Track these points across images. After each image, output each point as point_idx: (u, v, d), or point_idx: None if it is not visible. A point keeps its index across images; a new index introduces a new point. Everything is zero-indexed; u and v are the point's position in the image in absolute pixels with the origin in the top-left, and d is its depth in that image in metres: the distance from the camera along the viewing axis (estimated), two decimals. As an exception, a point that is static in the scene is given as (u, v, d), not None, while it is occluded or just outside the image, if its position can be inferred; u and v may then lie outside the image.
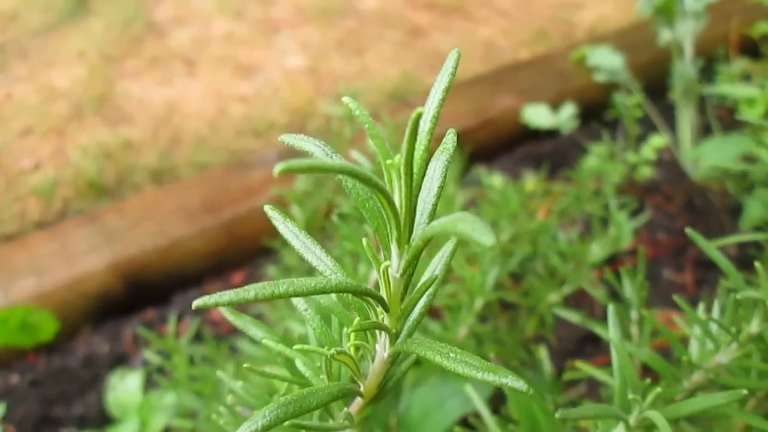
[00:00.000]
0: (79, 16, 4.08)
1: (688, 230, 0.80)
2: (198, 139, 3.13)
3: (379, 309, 0.55)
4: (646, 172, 2.18)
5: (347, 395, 0.59)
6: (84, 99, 3.36)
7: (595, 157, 2.13)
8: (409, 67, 3.51)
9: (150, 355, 1.60)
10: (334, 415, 0.65)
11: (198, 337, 1.85)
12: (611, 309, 0.80)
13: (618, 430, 0.66)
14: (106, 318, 2.00)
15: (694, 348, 0.77)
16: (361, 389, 0.61)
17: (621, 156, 2.28)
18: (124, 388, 1.74)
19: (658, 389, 0.63)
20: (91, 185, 2.82)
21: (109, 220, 2.11)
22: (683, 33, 2.26)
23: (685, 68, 2.26)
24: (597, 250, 1.57)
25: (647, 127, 2.45)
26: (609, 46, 2.54)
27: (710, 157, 2.09)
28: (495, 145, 2.48)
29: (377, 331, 0.58)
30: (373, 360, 0.60)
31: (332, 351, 0.57)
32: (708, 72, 2.62)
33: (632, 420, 0.64)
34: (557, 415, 0.61)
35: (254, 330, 0.74)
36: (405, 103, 2.67)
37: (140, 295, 2.03)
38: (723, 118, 2.49)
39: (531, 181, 2.05)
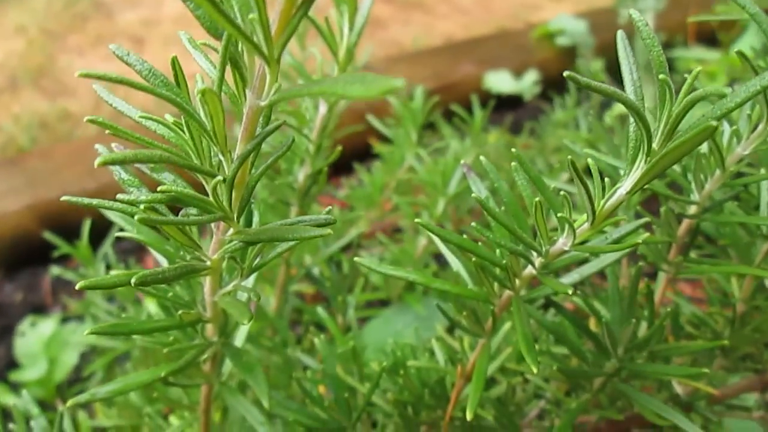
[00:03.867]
0: (20, -7, 3.88)
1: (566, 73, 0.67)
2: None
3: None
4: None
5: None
6: (20, 71, 3.15)
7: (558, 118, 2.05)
8: (367, 54, 3.42)
9: (68, 302, 1.40)
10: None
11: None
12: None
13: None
14: (22, 265, 1.78)
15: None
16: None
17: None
18: (35, 334, 1.52)
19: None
20: (22, 152, 2.60)
21: (32, 164, 1.91)
22: (644, 10, 2.24)
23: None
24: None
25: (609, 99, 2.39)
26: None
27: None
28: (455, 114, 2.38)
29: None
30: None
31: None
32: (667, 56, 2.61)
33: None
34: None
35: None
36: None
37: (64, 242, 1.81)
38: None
39: (494, 134, 1.95)
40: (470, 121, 1.39)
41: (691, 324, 0.82)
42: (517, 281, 0.59)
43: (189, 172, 0.42)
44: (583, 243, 0.52)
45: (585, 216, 0.51)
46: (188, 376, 0.66)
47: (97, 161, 0.35)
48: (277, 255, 0.53)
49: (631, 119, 0.44)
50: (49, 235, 1.21)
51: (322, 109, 0.82)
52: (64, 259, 1.82)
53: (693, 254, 0.76)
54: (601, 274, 1.25)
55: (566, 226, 0.51)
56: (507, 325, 0.75)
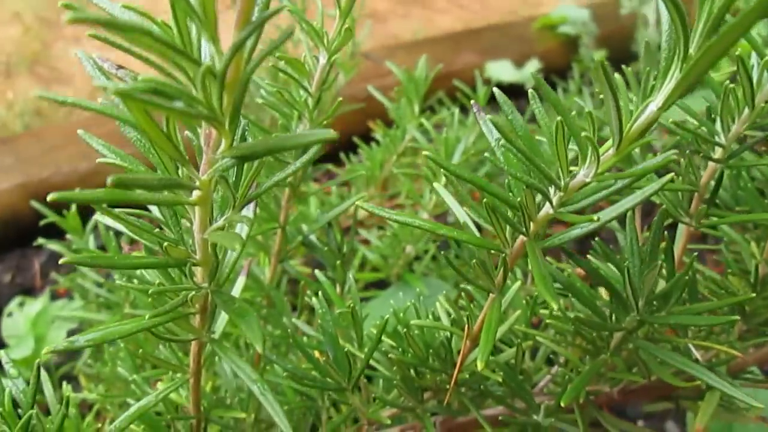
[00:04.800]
0: (17, -17, 3.84)
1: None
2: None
3: None
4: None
5: None
6: (15, 57, 3.11)
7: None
8: (366, 48, 3.39)
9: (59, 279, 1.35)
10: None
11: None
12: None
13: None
14: (11, 246, 1.73)
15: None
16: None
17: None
18: (22, 315, 1.47)
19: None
20: (14, 134, 2.55)
21: (24, 144, 1.86)
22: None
23: (649, 33, 2.20)
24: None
25: (612, 88, 2.36)
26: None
27: (671, 115, 2.01)
28: (457, 98, 2.35)
29: None
30: None
31: None
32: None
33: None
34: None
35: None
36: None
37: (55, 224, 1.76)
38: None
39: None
40: (474, 97, 1.35)
41: (709, 290, 0.78)
42: (532, 224, 0.55)
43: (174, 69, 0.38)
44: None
45: (610, 142, 0.47)
46: (176, 332, 0.62)
47: (66, 17, 0.30)
48: (274, 184, 0.48)
49: (665, 20, 0.40)
50: (36, 204, 1.16)
51: (322, 59, 0.78)
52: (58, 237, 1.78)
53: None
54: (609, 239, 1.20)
55: (589, 151, 0.47)
56: (516, 285, 0.70)
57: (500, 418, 0.69)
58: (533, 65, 2.32)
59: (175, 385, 0.68)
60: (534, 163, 0.48)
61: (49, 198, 0.41)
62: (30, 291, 1.66)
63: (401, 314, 0.70)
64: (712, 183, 0.66)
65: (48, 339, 1.29)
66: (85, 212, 1.35)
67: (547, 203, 0.52)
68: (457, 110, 1.20)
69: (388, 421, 0.73)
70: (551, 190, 0.51)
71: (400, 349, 0.69)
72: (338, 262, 0.83)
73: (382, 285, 1.30)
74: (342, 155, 1.70)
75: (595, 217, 0.47)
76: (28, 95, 2.88)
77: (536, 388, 0.75)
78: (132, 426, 0.75)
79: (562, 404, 0.57)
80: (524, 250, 0.58)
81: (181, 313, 0.59)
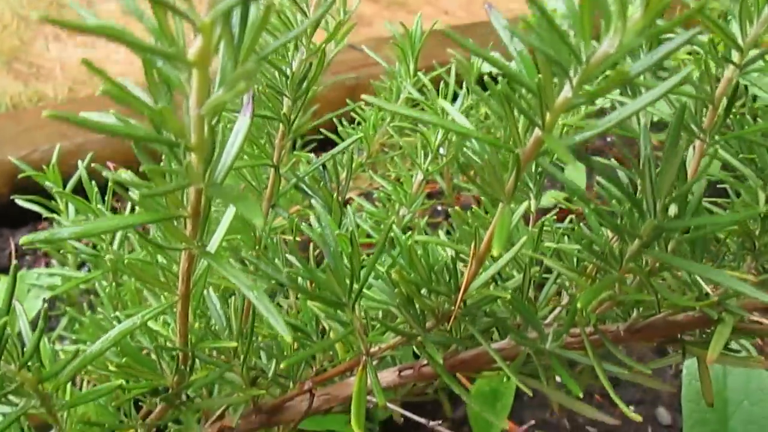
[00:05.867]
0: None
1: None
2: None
3: None
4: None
5: None
6: (-8, 53, 3.05)
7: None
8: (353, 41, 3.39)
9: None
10: None
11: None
12: None
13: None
14: (-16, 226, 1.67)
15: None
16: None
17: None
18: (-5, 291, 1.40)
19: None
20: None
21: (1, 124, 1.81)
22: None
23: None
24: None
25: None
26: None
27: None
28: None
29: None
30: None
31: None
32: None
33: None
34: None
35: None
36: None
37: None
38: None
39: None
40: (470, 69, 1.33)
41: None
42: (548, 114, 0.52)
43: None
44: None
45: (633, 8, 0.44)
46: (165, 238, 0.57)
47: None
48: (286, 41, 0.45)
49: None
50: (16, 161, 1.10)
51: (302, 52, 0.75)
52: (34, 222, 1.72)
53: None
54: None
55: (614, 16, 0.44)
56: (523, 206, 0.67)
57: (509, 342, 0.66)
58: (520, 59, 2.32)
59: (161, 307, 0.63)
60: (555, 30, 0.45)
61: (43, 114, 0.38)
62: (5, 271, 1.59)
63: (402, 238, 0.67)
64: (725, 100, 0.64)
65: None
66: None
67: (567, 85, 0.50)
68: (453, 65, 1.18)
69: (390, 352, 0.69)
70: (571, 65, 0.48)
71: (401, 272, 0.65)
72: (335, 196, 0.80)
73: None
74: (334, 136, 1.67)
75: (615, 93, 0.44)
76: (5, 89, 2.82)
77: (545, 321, 0.71)
78: (113, 359, 0.70)
79: (579, 306, 0.54)
80: (537, 149, 0.55)
81: (170, 214, 0.55)
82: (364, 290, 0.64)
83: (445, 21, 3.76)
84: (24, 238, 0.48)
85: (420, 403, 1.46)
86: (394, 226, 0.60)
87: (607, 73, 0.49)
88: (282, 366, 0.53)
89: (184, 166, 0.50)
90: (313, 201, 0.76)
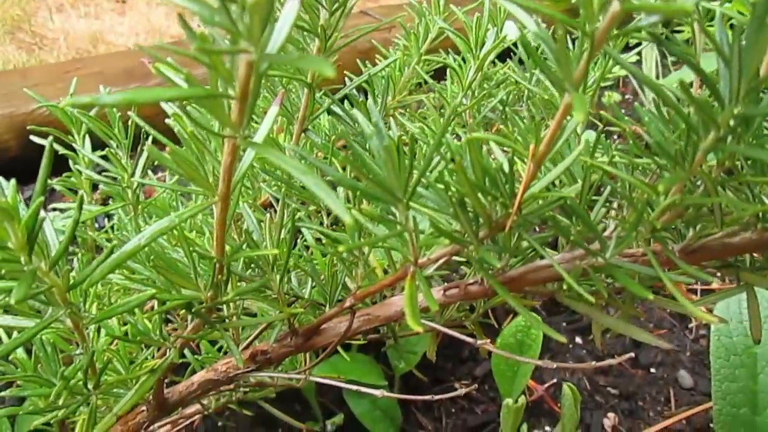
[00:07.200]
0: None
1: None
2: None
3: None
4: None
5: None
6: (-4, 23, 3.01)
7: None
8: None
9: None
10: None
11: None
12: None
13: None
14: (-8, 180, 1.62)
15: None
16: None
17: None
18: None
19: None
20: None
21: (9, 79, 1.76)
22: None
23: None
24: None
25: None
26: None
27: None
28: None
29: None
30: None
31: None
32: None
33: None
34: None
35: None
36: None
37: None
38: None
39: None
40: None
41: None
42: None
43: None
44: None
45: None
46: (210, 119, 0.53)
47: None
48: None
49: None
50: (30, 92, 1.06)
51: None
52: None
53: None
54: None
55: None
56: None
57: (563, 257, 0.62)
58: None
59: (200, 207, 0.59)
60: None
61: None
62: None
63: (453, 143, 0.63)
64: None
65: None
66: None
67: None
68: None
69: (435, 271, 0.66)
70: None
71: (453, 176, 0.61)
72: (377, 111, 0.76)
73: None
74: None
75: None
76: (8, 59, 2.77)
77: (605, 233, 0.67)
78: (142, 269, 0.66)
79: (660, 189, 0.50)
80: (612, 24, 0.51)
81: (217, 92, 0.51)
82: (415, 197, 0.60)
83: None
84: (66, 101, 0.44)
85: (441, 364, 1.43)
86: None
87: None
88: (341, 249, 0.49)
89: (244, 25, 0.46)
90: (354, 111, 0.72)
